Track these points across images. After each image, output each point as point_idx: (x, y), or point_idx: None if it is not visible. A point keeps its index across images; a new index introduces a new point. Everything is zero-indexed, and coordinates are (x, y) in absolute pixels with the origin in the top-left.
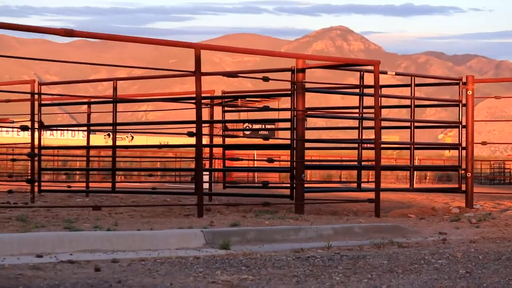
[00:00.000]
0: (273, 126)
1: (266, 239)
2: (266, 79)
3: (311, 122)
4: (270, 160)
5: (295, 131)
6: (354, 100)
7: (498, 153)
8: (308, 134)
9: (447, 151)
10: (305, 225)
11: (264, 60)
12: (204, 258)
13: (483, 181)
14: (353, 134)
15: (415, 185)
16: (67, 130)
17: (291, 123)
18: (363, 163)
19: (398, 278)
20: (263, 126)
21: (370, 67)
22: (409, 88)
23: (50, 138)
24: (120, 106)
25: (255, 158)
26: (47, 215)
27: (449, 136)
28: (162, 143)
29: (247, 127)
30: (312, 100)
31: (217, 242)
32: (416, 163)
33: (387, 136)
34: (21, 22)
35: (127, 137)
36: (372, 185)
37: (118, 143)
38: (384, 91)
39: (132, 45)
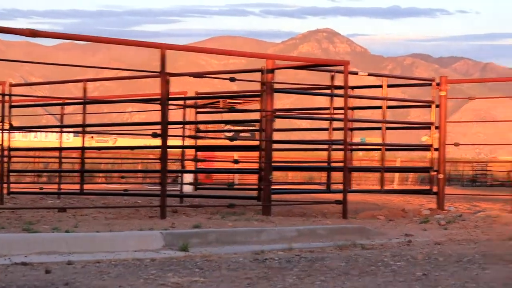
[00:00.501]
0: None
1: (228, 241)
2: (232, 80)
3: (295, 123)
4: (236, 162)
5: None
6: (338, 102)
7: (483, 155)
8: (292, 135)
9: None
10: (269, 227)
11: (249, 62)
12: (161, 260)
13: (465, 183)
14: (338, 135)
15: (397, 187)
16: (39, 131)
17: (260, 124)
18: (334, 164)
19: (353, 280)
20: (245, 127)
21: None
22: (396, 88)
23: (34, 140)
24: (105, 108)
25: (238, 160)
26: (10, 216)
27: (434, 137)
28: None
29: (229, 129)
30: (296, 102)
31: (176, 244)
32: (398, 164)
33: (371, 138)
34: (8, 25)
35: (110, 139)
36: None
37: (102, 145)
38: (368, 92)
39: (118, 48)
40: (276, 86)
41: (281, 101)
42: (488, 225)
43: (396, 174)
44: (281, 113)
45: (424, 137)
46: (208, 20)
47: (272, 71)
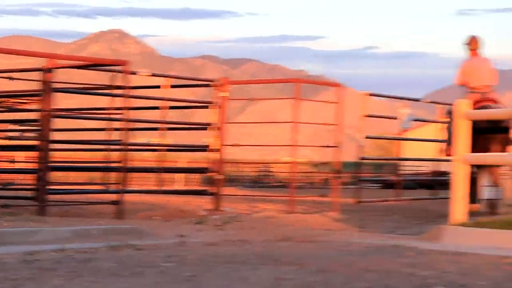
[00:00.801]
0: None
1: (1, 241)
2: (11, 78)
3: (82, 124)
4: (12, 161)
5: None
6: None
7: (269, 156)
8: (78, 135)
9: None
10: (45, 227)
11: (39, 62)
12: None
13: (247, 184)
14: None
15: (184, 187)
16: None
17: (40, 123)
18: (113, 164)
19: (121, 281)
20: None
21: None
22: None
23: None
24: None
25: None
26: None
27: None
28: None
29: (16, 129)
30: (83, 102)
31: None
32: (184, 165)
33: (157, 139)
34: None
35: None
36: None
37: None
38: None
39: None
40: (60, 85)
41: (69, 101)
42: (265, 226)
43: (182, 175)
44: (60, 112)
45: (207, 138)
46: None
47: (50, 70)
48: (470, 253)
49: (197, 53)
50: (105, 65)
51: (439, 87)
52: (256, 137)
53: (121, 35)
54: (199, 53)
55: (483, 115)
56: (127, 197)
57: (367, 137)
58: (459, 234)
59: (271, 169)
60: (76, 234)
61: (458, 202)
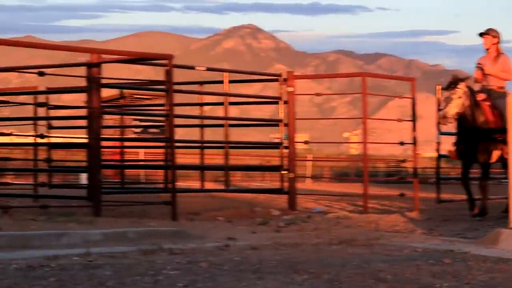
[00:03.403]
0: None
1: (21, 245)
2: (41, 74)
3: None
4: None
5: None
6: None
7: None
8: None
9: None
10: (72, 230)
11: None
12: None
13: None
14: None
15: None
16: None
17: (88, 120)
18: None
19: None
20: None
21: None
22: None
23: None
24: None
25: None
26: None
27: (355, 134)
28: None
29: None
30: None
31: None
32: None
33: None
34: None
35: None
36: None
37: None
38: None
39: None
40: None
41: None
42: (329, 227)
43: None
44: (109, 109)
45: (345, 133)
46: (131, 15)
47: (97, 65)
48: None
49: (329, 48)
50: (150, 59)
51: None
52: (396, 132)
53: (253, 31)
54: (332, 48)
55: None
56: (197, 194)
57: (440, 134)
58: None
59: (402, 165)
60: (107, 237)
61: None
